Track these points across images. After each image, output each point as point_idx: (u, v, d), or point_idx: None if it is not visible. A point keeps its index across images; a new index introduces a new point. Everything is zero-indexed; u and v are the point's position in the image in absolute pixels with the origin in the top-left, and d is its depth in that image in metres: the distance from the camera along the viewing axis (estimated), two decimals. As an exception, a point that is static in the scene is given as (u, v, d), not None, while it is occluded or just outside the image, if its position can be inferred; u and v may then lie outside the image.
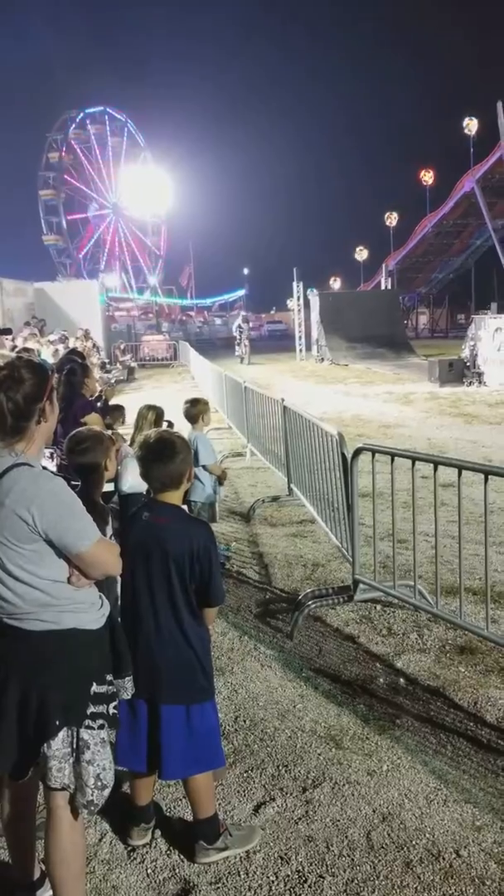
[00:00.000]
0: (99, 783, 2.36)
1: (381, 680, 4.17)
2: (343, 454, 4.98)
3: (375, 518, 5.24)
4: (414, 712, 3.84)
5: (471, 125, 51.88)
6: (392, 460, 4.58)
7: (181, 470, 2.83)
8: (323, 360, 30.64)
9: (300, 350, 33.35)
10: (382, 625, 4.87)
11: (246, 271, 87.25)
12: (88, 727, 2.35)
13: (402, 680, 4.16)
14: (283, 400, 7.66)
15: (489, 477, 3.87)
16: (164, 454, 2.81)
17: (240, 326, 33.91)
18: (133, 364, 29.75)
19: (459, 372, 20.07)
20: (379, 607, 5.09)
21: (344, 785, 3.27)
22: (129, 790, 3.05)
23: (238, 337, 33.06)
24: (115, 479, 4.64)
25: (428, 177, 57.69)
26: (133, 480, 4.70)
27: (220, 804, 3.10)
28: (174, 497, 2.85)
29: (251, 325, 67.98)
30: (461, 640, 4.59)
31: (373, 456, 4.74)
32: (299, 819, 3.07)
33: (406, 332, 37.95)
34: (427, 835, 2.96)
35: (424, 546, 5.22)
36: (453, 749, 3.51)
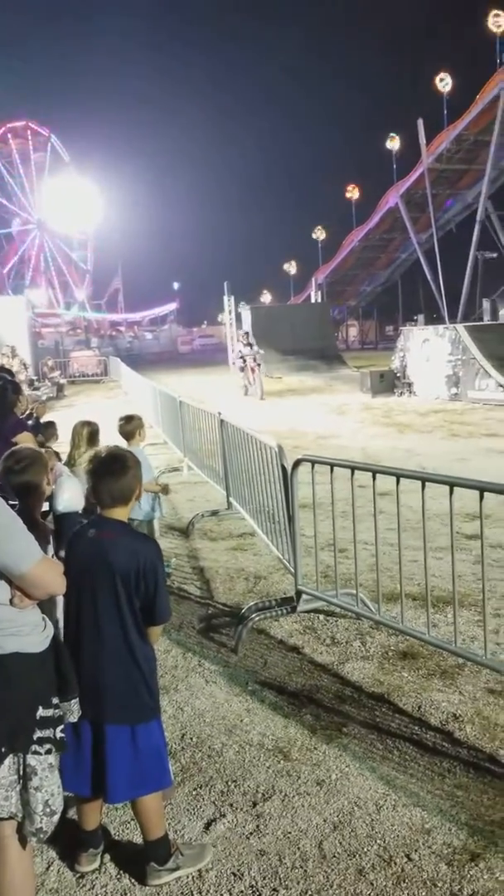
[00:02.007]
0: (48, 809, 2.30)
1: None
2: (283, 466, 5.00)
3: (316, 528, 5.27)
4: (360, 720, 3.86)
5: (393, 142, 53.04)
6: (332, 470, 4.63)
7: (132, 485, 2.80)
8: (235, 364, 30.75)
9: (233, 363, 33.40)
10: (326, 634, 4.89)
11: (176, 286, 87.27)
12: (35, 753, 2.30)
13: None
14: (220, 413, 7.67)
15: (426, 484, 3.94)
16: (116, 469, 2.78)
17: (240, 352, 23.95)
18: (62, 381, 29.32)
19: (390, 382, 20.43)
20: (322, 617, 5.12)
21: (294, 797, 3.26)
22: (75, 815, 2.99)
23: (243, 363, 23.24)
24: (50, 499, 4.56)
25: (354, 192, 58.71)
26: (68, 499, 4.64)
27: (169, 824, 3.07)
28: (122, 513, 2.82)
29: (196, 340, 67.42)
30: (403, 646, 4.65)
31: (312, 467, 4.77)
32: (250, 834, 3.05)
33: (337, 344, 38.43)
34: (378, 841, 2.97)
35: (365, 554, 5.27)
36: (400, 754, 3.55)
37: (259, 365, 22.39)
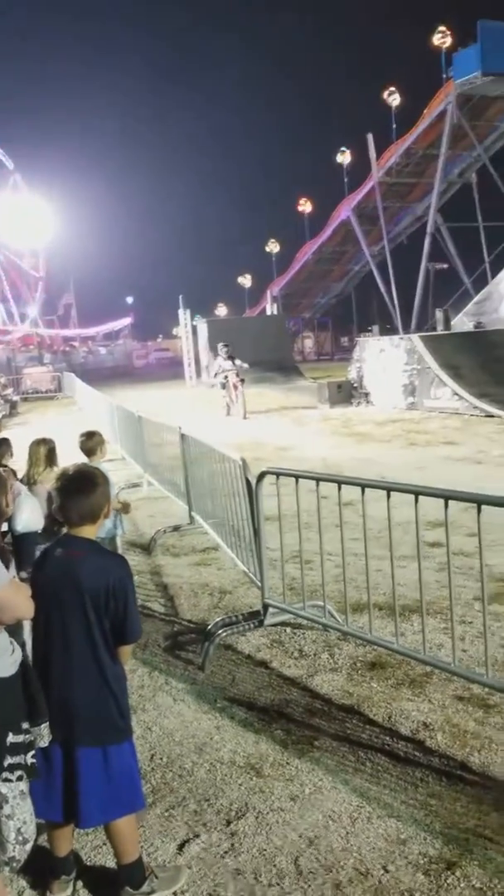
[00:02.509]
0: (20, 837, 2.25)
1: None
2: (247, 479, 4.99)
3: (281, 540, 5.27)
4: (331, 732, 3.85)
5: (344, 156, 53.67)
6: (296, 482, 4.63)
7: (100, 503, 2.76)
8: (214, 386, 30.77)
9: (190, 377, 33.41)
10: (294, 647, 4.88)
11: (130, 300, 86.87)
12: (6, 780, 2.24)
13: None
14: (180, 428, 7.63)
15: (391, 493, 3.96)
16: (85, 487, 2.74)
17: (220, 367, 20.95)
18: (15, 398, 28.99)
19: (347, 393, 20.57)
20: (289, 630, 5.10)
21: (268, 813, 3.23)
22: (46, 842, 2.92)
23: (224, 379, 20.55)
24: (9, 519, 4.48)
25: (306, 205, 59.25)
26: (27, 519, 4.57)
27: (142, 846, 3.01)
28: (90, 531, 2.77)
29: (152, 354, 66.58)
30: (371, 656, 4.65)
31: (277, 479, 4.77)
32: (225, 853, 3.01)
33: (294, 356, 38.63)
34: (354, 854, 2.96)
35: (330, 565, 5.27)
36: (372, 765, 3.54)
37: (242, 381, 20.22)
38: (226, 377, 20.57)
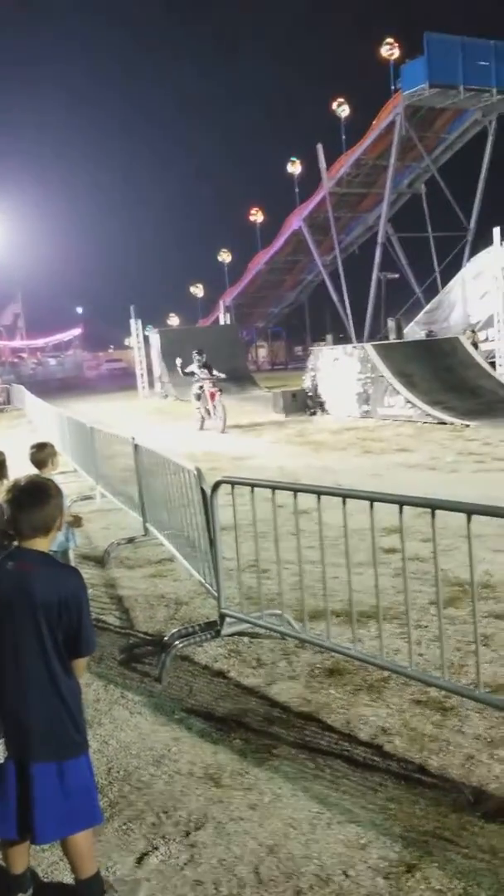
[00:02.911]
0: (-26, 857, 2.20)
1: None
2: (202, 489, 4.97)
3: (238, 550, 5.27)
4: (290, 740, 3.85)
5: (294, 166, 54.07)
6: (252, 491, 4.64)
7: (53, 515, 2.73)
8: (167, 396, 30.71)
9: (143, 388, 33.27)
10: (251, 656, 4.87)
11: (80, 310, 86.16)
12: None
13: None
14: (133, 439, 7.59)
15: (346, 500, 3.99)
16: (38, 499, 2.70)
17: (195, 375, 18.96)
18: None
19: (302, 402, 20.68)
20: (247, 639, 5.09)
21: (227, 823, 3.22)
22: (1, 860, 2.86)
23: (199, 389, 18.83)
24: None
25: (257, 215, 59.52)
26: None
27: (100, 861, 2.97)
28: (43, 544, 2.73)
29: (104, 365, 65.63)
30: (329, 663, 4.66)
31: (232, 488, 4.77)
32: (185, 864, 2.99)
33: (248, 366, 38.70)
34: (315, 860, 2.96)
35: (287, 573, 5.28)
36: (331, 771, 3.55)
37: (220, 391, 18.68)
38: (200, 387, 18.98)
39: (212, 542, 4.87)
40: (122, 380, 46.00)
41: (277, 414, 20.62)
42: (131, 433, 8.35)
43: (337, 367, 19.72)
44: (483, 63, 43.90)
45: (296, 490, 4.32)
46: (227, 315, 41.90)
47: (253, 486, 4.61)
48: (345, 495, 4.01)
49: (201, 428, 18.92)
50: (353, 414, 18.75)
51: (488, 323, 25.36)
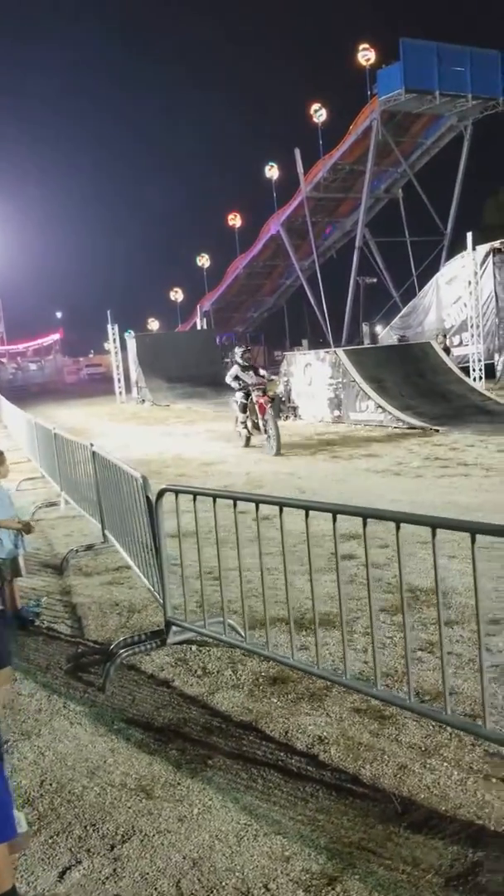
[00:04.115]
0: None
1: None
2: (147, 497, 4.96)
3: (182, 558, 5.26)
4: (226, 750, 3.84)
5: (272, 171, 54.21)
6: (194, 499, 4.63)
7: None
8: (144, 401, 30.69)
9: (120, 393, 33.20)
10: (197, 665, 4.86)
11: (59, 314, 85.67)
12: None
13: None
14: (91, 445, 7.56)
15: (283, 509, 3.99)
16: None
17: (237, 378, 15.03)
18: None
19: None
20: (195, 648, 5.08)
21: (154, 835, 3.20)
22: None
23: (245, 397, 14.87)
24: None
25: (236, 220, 59.59)
26: None
27: (22, 876, 2.95)
28: None
29: (84, 370, 65.28)
30: (274, 671, 4.66)
31: (176, 496, 4.76)
32: (107, 878, 2.97)
33: (226, 371, 38.75)
34: (237, 873, 2.94)
35: (238, 581, 5.28)
36: (264, 782, 3.54)
37: (273, 400, 14.50)
38: (247, 394, 14.74)
39: (157, 550, 4.86)
40: (102, 385, 45.86)
41: (251, 419, 20.63)
42: (104, 438, 8.34)
43: (309, 372, 19.76)
44: (458, 69, 44.32)
45: (235, 499, 4.32)
46: (204, 320, 41.90)
47: (195, 494, 4.60)
48: (281, 504, 4.01)
49: (246, 445, 15.10)
50: (325, 419, 18.79)
51: (462, 328, 25.52)
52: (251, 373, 14.99)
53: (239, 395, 15.09)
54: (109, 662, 4.68)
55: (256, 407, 14.35)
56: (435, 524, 3.32)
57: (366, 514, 3.64)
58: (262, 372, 15.22)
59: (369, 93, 45.69)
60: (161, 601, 4.94)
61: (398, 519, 3.56)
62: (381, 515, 3.71)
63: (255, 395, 14.40)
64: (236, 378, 15.01)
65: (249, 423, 14.84)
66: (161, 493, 4.78)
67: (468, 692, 4.18)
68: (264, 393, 14.40)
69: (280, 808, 3.33)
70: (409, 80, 42.70)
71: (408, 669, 3.55)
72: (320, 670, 3.97)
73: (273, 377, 15.51)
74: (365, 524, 3.63)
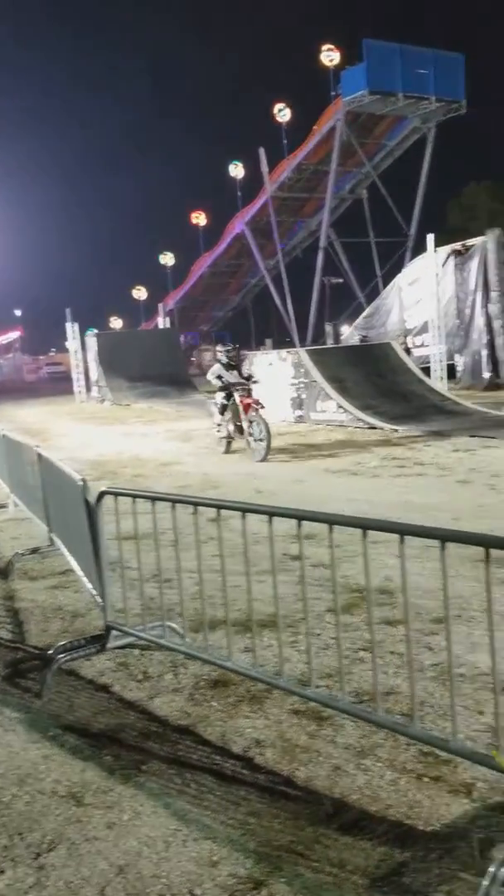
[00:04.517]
0: None
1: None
2: (86, 500, 4.90)
3: (121, 560, 5.21)
4: (161, 755, 3.80)
5: (237, 169, 54.21)
6: (133, 502, 4.59)
7: None
8: (104, 400, 30.48)
9: (79, 392, 32.94)
10: (138, 669, 4.81)
11: (18, 313, 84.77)
12: None
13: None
14: (37, 447, 7.46)
15: (220, 511, 3.97)
16: None
17: (220, 378, 13.99)
18: None
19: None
20: (137, 652, 5.03)
21: (81, 843, 3.15)
22: None
23: (225, 397, 13.89)
24: None
25: (200, 218, 59.49)
26: None
27: None
28: None
29: (44, 368, 64.17)
30: (216, 675, 4.62)
31: (115, 499, 4.71)
32: (30, 888, 2.91)
33: (188, 370, 38.60)
34: (163, 880, 2.91)
35: (189, 583, 5.23)
36: (197, 786, 3.50)
37: (260, 405, 13.35)
38: (228, 395, 13.77)
39: (97, 554, 4.80)
40: (63, 383, 45.51)
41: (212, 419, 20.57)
42: (63, 438, 8.24)
43: (271, 372, 19.74)
44: (422, 71, 44.71)
45: (174, 501, 4.28)
46: (166, 319, 41.72)
47: (134, 496, 4.56)
48: (219, 506, 3.99)
49: (227, 451, 14.05)
50: (287, 419, 18.79)
51: (423, 329, 25.71)
52: (234, 372, 14.00)
53: (219, 396, 14.04)
54: (47, 668, 4.62)
55: (241, 408, 13.33)
56: (405, 531, 3.25)
57: (300, 517, 3.63)
58: (244, 370, 14.34)
59: (333, 93, 45.91)
60: (101, 604, 4.88)
61: (298, 517, 3.56)
62: (315, 518, 3.69)
63: (238, 396, 13.46)
64: (219, 377, 14.00)
65: (231, 426, 13.77)
66: (100, 496, 4.73)
67: (408, 691, 4.18)
68: (249, 394, 13.50)
69: (211, 813, 3.30)
70: (372, 81, 43.00)
71: (341, 673, 3.54)
72: (257, 672, 3.94)
73: (256, 380, 14.37)
74: (244, 516, 3.61)
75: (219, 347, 14.70)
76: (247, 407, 13.21)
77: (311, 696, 3.67)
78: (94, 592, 5.27)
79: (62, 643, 4.91)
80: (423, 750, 3.59)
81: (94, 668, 4.85)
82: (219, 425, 14.16)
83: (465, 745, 3.22)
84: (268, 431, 12.85)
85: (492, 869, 2.63)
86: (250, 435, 13.18)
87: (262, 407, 13.40)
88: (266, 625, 5.13)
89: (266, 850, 3.03)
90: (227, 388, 13.79)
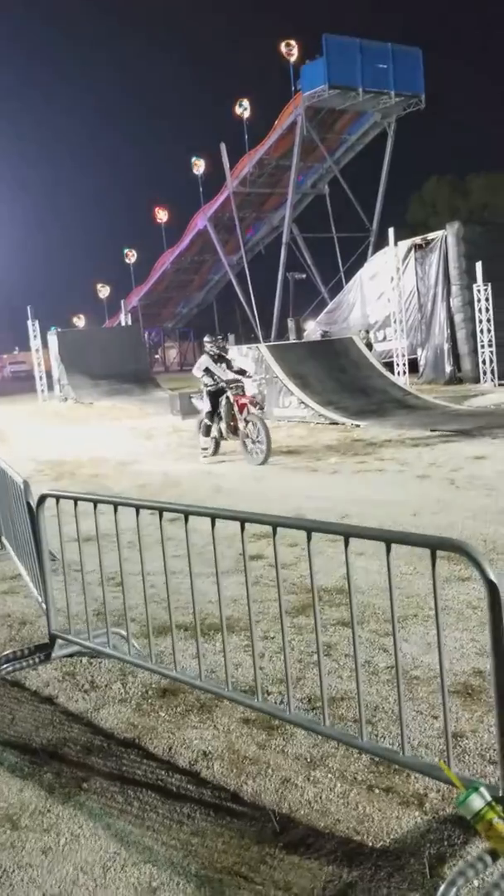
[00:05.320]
0: None
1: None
2: (28, 502, 4.71)
3: (90, 566, 5.01)
4: (105, 771, 3.63)
5: (198, 166, 53.88)
6: (75, 504, 4.41)
7: None
8: (67, 399, 30.11)
9: (42, 391, 32.51)
10: (85, 679, 4.62)
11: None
12: None
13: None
14: (-12, 448, 7.23)
15: (163, 514, 3.81)
16: None
17: (208, 369, 12.62)
18: None
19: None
20: (85, 661, 4.84)
21: (13, 871, 2.97)
22: None
23: (213, 395, 12.63)
24: None
25: (162, 214, 59.07)
26: None
27: None
28: None
29: (7, 367, 63.38)
30: (164, 682, 4.46)
31: (57, 502, 4.53)
32: (-44, 924, 2.73)
33: (151, 367, 38.32)
34: (99, 910, 2.74)
35: (139, 587, 5.05)
36: (140, 804, 3.34)
37: (258, 406, 12.75)
38: (219, 391, 12.51)
39: (39, 559, 4.61)
40: (26, 382, 44.93)
41: (174, 416, 20.38)
42: (22, 437, 7.99)
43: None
44: (381, 66, 44.78)
45: (116, 504, 4.11)
46: (129, 316, 41.34)
47: (76, 499, 4.38)
48: (161, 508, 3.83)
49: (214, 453, 12.85)
50: (249, 415, 18.66)
51: (385, 323, 25.73)
52: (223, 366, 12.65)
53: (204, 408, 12.71)
54: (-11, 680, 4.42)
55: (235, 406, 12.16)
56: (349, 533, 3.12)
57: (244, 519, 3.51)
58: (235, 365, 13.19)
59: (293, 88, 45.79)
60: (46, 612, 4.69)
61: (274, 523, 3.42)
62: (259, 521, 3.56)
63: (230, 394, 12.25)
64: (207, 371, 12.58)
65: (223, 427, 12.41)
66: (41, 499, 4.54)
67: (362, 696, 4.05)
68: (243, 391, 12.45)
69: (153, 834, 3.14)
70: (332, 75, 42.96)
71: (287, 682, 3.40)
72: (203, 682, 3.79)
73: (250, 375, 13.33)
74: (243, 527, 3.47)
75: (206, 339, 13.27)
76: (242, 406, 12.11)
77: (258, 707, 3.53)
78: (40, 599, 5.09)
79: (6, 653, 4.71)
80: (375, 759, 3.46)
81: (40, 678, 4.66)
82: (204, 448, 12.89)
83: (414, 758, 3.09)
84: (267, 432, 11.80)
85: (442, 888, 2.50)
86: (247, 436, 12.11)
87: (260, 406, 12.52)
88: (218, 629, 4.98)
89: (209, 874, 2.87)
90: (215, 393, 12.52)
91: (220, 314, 61.99)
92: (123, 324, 39.64)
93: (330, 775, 3.41)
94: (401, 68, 45.04)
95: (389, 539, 2.85)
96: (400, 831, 2.96)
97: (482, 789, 2.50)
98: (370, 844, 2.92)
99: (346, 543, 3.07)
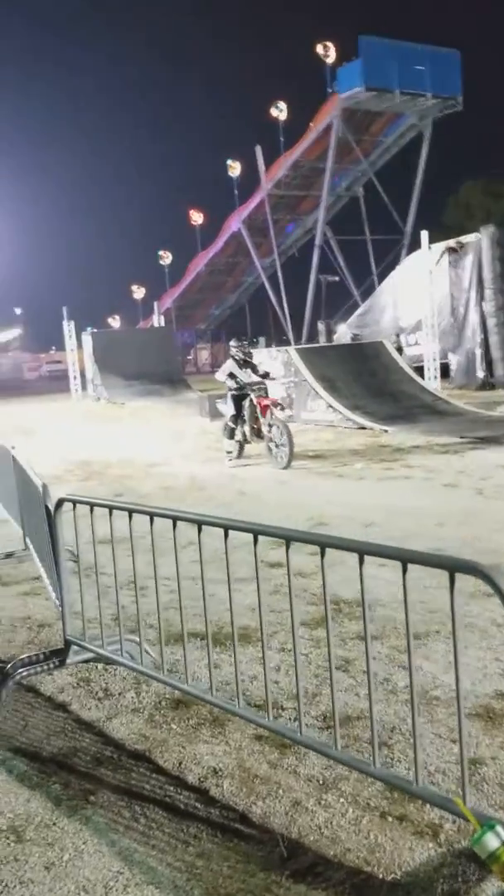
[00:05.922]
0: None
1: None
2: (46, 506, 4.67)
3: (108, 571, 4.96)
4: (113, 784, 3.56)
5: (234, 168, 53.87)
6: (91, 510, 4.35)
7: None
8: (99, 399, 30.25)
9: (76, 390, 32.71)
10: (99, 686, 4.57)
11: (18, 311, 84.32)
12: None
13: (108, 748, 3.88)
14: (13, 448, 7.22)
15: (176, 523, 3.74)
16: None
17: (232, 374, 12.51)
18: None
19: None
20: (100, 667, 4.79)
21: (15, 887, 2.91)
22: None
23: (237, 396, 12.50)
24: None
25: (197, 217, 59.15)
26: None
27: None
28: None
29: (44, 366, 63.86)
30: (178, 694, 4.38)
31: (74, 506, 4.48)
32: (-47, 941, 2.68)
33: (182, 368, 38.37)
34: (98, 933, 2.67)
35: (161, 593, 4.99)
36: (147, 821, 3.27)
37: (282, 408, 12.82)
38: (243, 395, 12.38)
39: (56, 563, 4.56)
40: (61, 382, 45.26)
41: (203, 418, 20.34)
42: (56, 436, 7.99)
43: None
44: (418, 67, 44.37)
45: (131, 511, 4.04)
46: (161, 318, 41.43)
47: (92, 505, 4.32)
48: (175, 517, 3.75)
49: (240, 456, 12.75)
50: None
51: (417, 327, 25.45)
52: (249, 370, 12.52)
53: (228, 412, 12.65)
54: (3, 684, 4.38)
55: (258, 409, 12.04)
56: (364, 551, 3.00)
57: (257, 531, 3.41)
58: (261, 369, 12.93)
59: (329, 90, 45.58)
60: (62, 617, 4.64)
61: (287, 537, 3.32)
62: (273, 534, 3.47)
63: (254, 397, 12.13)
64: (231, 375, 12.52)
65: (247, 430, 12.32)
66: (59, 503, 4.50)
67: (377, 717, 3.94)
68: (266, 393, 12.33)
69: (158, 853, 3.06)
70: (368, 77, 42.66)
71: (298, 701, 3.30)
72: (213, 696, 3.70)
73: (272, 376, 13.37)
74: (256, 539, 3.38)
75: (232, 342, 13.28)
76: (265, 409, 11.97)
77: (267, 726, 3.43)
78: (58, 603, 5.04)
79: (21, 657, 4.67)
80: (390, 782, 3.35)
81: (55, 683, 4.62)
82: (229, 452, 12.83)
83: (428, 789, 2.98)
84: (289, 435, 11.68)
85: (453, 927, 2.39)
86: (270, 440, 12.00)
87: (283, 408, 12.50)
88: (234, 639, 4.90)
89: (212, 898, 2.79)
90: (239, 397, 12.43)
91: (252, 316, 62.00)
92: (156, 325, 39.72)
93: (342, 799, 3.30)
94: (437, 70, 44.57)
95: (406, 559, 2.74)
96: (412, 864, 2.84)
97: (498, 828, 2.39)
98: (380, 877, 2.82)
99: (361, 561, 2.96)
